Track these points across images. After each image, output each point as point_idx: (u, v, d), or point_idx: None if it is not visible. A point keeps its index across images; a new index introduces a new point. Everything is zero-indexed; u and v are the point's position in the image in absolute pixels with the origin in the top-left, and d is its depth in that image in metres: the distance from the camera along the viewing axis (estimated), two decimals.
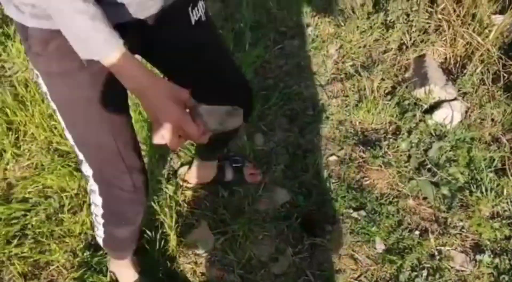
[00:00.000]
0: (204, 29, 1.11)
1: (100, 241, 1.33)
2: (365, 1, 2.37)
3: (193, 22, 1.06)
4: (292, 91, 2.03)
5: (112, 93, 0.99)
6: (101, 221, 1.23)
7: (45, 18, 0.83)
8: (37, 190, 1.72)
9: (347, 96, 2.02)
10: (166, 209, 1.62)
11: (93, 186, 1.14)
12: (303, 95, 2.03)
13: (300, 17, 2.37)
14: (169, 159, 1.82)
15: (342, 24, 2.29)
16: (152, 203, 1.64)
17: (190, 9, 1.05)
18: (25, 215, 1.65)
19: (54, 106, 1.03)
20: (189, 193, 1.71)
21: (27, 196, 1.71)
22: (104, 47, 0.79)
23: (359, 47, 2.21)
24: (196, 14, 1.07)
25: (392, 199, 1.69)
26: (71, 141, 1.08)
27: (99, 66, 0.84)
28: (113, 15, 0.82)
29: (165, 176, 1.76)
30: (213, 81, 1.15)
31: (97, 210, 1.20)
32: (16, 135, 1.86)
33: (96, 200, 1.17)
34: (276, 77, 2.09)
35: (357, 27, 2.27)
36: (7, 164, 1.79)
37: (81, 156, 1.09)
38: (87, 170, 1.11)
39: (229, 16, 2.34)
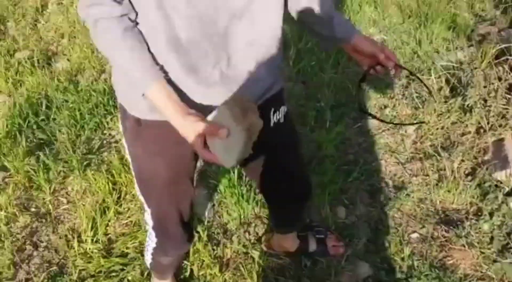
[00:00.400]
0: (280, 131, 1.23)
1: (147, 264, 1.59)
2: (442, 85, 2.49)
3: (271, 124, 1.19)
4: (372, 168, 2.13)
5: (186, 175, 1.23)
6: (151, 251, 1.47)
7: (143, 111, 1.04)
8: (135, 246, 1.87)
9: (427, 175, 2.08)
10: (254, 273, 1.71)
11: (151, 234, 1.40)
12: (383, 172, 2.12)
13: (378, 99, 2.51)
14: (254, 225, 1.93)
15: (420, 106, 2.40)
16: (240, 266, 1.74)
17: (272, 112, 1.18)
18: (123, 269, 1.80)
19: (133, 174, 1.25)
20: (273, 260, 1.79)
21: (125, 251, 1.86)
22: (142, 82, 0.94)
23: (437, 128, 2.30)
24: (276, 117, 1.19)
25: (476, 280, 1.68)
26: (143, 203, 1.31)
27: (177, 152, 1.04)
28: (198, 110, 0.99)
29: (251, 241, 1.86)
30: (278, 174, 1.31)
31: (150, 245, 1.45)
32: (119, 195, 2.06)
33: (152, 239, 1.42)
34: (356, 153, 2.21)
35: (435, 109, 2.37)
36: (109, 220, 1.98)
37: (147, 210, 1.33)
38: (149, 220, 1.36)
39: (311, 96, 2.52)
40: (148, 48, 0.96)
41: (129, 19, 0.94)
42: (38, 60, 2.90)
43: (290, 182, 1.35)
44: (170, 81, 0.98)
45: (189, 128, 0.91)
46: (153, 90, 0.94)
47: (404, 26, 3.08)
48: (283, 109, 1.20)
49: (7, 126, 2.37)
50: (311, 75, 2.65)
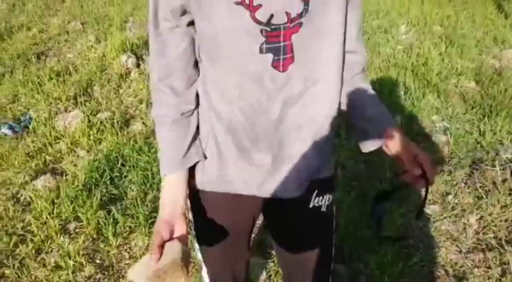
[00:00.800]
0: (317, 219, 1.17)
1: None
2: (506, 177, 2.47)
3: (310, 205, 1.14)
4: (432, 254, 2.10)
5: (241, 238, 1.27)
6: None
7: (198, 182, 1.14)
8: None
9: (489, 268, 2.03)
10: None
11: None
12: (443, 259, 2.08)
13: (440, 185, 2.52)
14: None
15: (483, 196, 2.38)
16: None
17: (314, 195, 1.14)
18: None
19: (193, 233, 1.31)
20: None
21: None
22: (163, 168, 1.05)
23: (501, 220, 2.26)
24: (318, 201, 1.14)
25: None
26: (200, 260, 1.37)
27: (233, 217, 1.14)
28: (238, 187, 1.08)
29: None
30: (297, 266, 1.26)
31: None
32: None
33: None
34: (416, 237, 2.20)
35: (498, 200, 2.35)
36: None
37: (204, 269, 1.38)
38: (206, 278, 1.40)
39: (372, 175, 2.57)
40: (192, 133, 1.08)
41: (183, 109, 1.07)
42: (117, 121, 3.16)
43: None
44: (225, 159, 1.08)
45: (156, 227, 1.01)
46: (168, 179, 1.06)
47: (467, 116, 3.13)
48: (327, 197, 1.17)
49: (85, 179, 2.56)
50: (373, 155, 2.71)
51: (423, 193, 2.45)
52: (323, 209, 1.16)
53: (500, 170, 2.51)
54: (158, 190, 2.53)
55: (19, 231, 2.29)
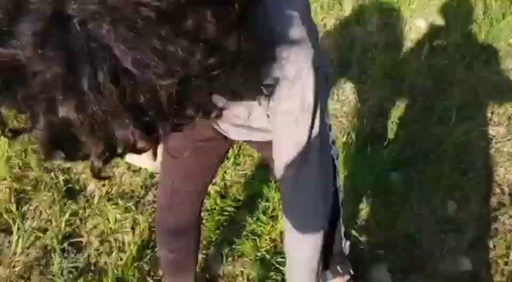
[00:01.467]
0: None
1: None
2: None
3: None
4: (490, 172, 2.10)
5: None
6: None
7: None
8: (247, 194, 2.04)
9: None
10: None
11: None
12: (501, 178, 2.08)
13: (508, 108, 2.43)
14: None
15: None
16: None
17: None
18: (235, 212, 1.98)
19: None
20: None
21: (238, 197, 2.04)
22: None
23: None
24: None
25: None
26: None
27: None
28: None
29: None
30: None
31: None
32: (238, 150, 2.23)
33: None
34: (476, 155, 2.17)
35: None
36: (228, 168, 2.16)
37: None
38: None
39: (439, 92, 2.49)
40: None
41: None
42: None
43: None
44: None
45: None
46: None
47: None
48: None
49: None
50: (443, 73, 2.63)
51: None
52: None
53: None
54: None
55: None
